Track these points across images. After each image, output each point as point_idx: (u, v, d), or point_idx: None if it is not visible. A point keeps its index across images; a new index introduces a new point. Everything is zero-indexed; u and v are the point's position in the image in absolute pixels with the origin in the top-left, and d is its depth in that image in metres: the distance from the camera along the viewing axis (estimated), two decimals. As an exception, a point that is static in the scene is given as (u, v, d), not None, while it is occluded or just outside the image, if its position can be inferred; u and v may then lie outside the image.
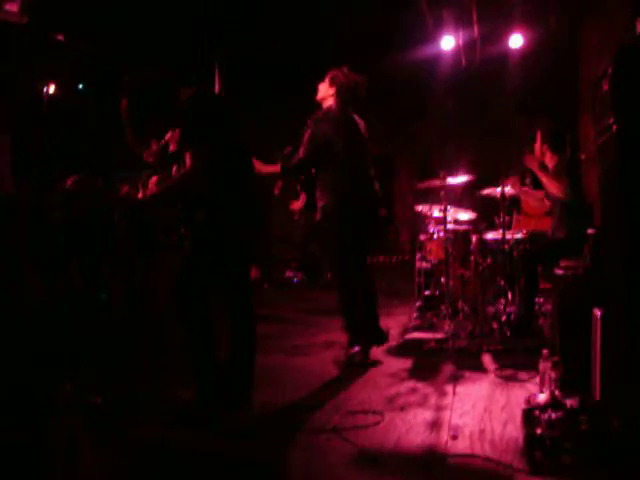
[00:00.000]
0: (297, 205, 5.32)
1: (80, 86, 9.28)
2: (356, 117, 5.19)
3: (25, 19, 6.83)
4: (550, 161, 5.71)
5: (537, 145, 5.81)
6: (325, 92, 5.13)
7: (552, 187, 5.51)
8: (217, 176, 3.86)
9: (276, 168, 5.09)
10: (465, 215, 6.70)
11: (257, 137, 4.89)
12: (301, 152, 4.98)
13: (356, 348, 5.00)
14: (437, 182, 6.01)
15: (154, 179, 4.13)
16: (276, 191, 5.45)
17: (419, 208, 6.86)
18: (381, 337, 5.25)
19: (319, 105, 5.17)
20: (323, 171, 5.06)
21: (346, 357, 5.02)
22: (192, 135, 3.85)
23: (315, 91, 5.21)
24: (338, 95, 5.05)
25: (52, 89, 8.61)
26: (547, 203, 5.91)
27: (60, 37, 7.85)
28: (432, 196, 6.77)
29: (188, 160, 3.78)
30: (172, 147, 4.12)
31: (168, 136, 4.13)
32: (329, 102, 5.10)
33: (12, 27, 6.77)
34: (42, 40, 7.60)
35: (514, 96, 10.18)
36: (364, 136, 5.21)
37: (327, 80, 5.12)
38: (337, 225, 5.00)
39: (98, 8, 7.82)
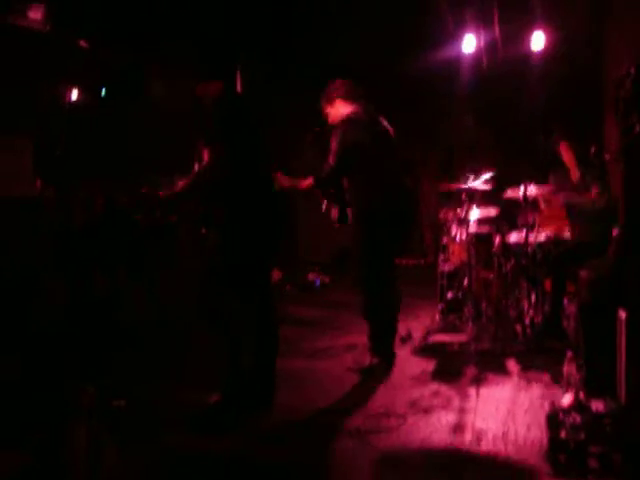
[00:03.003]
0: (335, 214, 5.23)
1: (103, 92, 9.33)
2: (384, 121, 5.08)
3: (48, 26, 6.90)
4: (574, 173, 5.69)
5: (569, 162, 5.75)
6: (342, 110, 4.97)
7: (584, 202, 5.49)
8: (238, 175, 3.86)
9: (305, 182, 4.87)
10: (488, 212, 6.55)
11: (278, 140, 4.84)
12: (331, 159, 4.79)
13: (377, 359, 4.89)
14: (460, 185, 5.99)
15: (179, 182, 4.14)
16: (323, 208, 5.34)
17: (442, 212, 6.81)
18: (390, 360, 5.02)
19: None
20: (355, 176, 4.90)
21: (369, 365, 4.90)
22: (212, 133, 3.85)
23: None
24: (350, 101, 4.96)
25: (75, 95, 8.67)
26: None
27: (83, 43, 7.91)
28: (455, 198, 6.72)
29: (205, 157, 3.79)
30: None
31: None
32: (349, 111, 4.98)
33: (35, 34, 6.84)
34: (65, 46, 7.66)
35: (537, 98, 10.10)
36: (393, 138, 5.08)
37: (335, 105, 4.99)
38: (372, 229, 4.84)
39: (121, 14, 7.87)
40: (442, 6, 8.54)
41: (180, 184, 3.99)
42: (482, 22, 8.69)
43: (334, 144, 4.82)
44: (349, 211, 5.03)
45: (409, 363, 5.11)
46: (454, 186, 6.15)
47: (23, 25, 6.72)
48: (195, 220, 4.43)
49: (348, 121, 4.90)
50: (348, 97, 4.98)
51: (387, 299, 5.02)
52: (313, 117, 5.26)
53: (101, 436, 3.27)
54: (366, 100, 5.03)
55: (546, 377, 4.49)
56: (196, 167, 4.01)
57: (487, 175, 6.24)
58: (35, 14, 6.78)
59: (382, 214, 4.85)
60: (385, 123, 5.09)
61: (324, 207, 5.31)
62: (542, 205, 6.33)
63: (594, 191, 5.44)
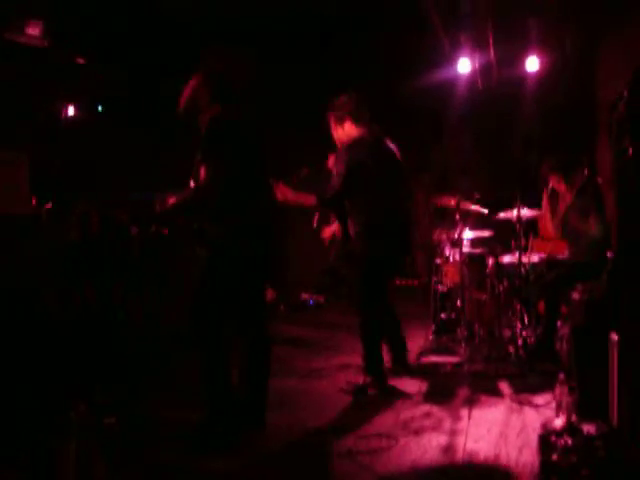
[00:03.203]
0: (328, 233, 5.21)
1: (99, 108, 9.35)
2: (390, 143, 5.08)
3: (46, 43, 6.93)
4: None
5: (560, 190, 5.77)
6: (350, 132, 4.98)
7: (588, 228, 5.48)
8: (233, 193, 3.86)
9: (308, 199, 4.85)
10: (482, 233, 6.61)
11: (282, 158, 4.82)
12: (335, 181, 4.79)
13: (369, 379, 4.89)
14: (452, 201, 6.03)
15: (172, 197, 4.13)
16: (314, 224, 5.36)
17: (436, 233, 6.85)
18: (405, 364, 5.27)
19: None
20: (357, 197, 4.88)
21: (362, 385, 4.89)
22: (210, 150, 3.85)
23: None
24: (358, 124, 4.96)
25: (71, 111, 8.70)
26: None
27: (81, 60, 7.94)
28: (449, 219, 6.76)
29: (202, 174, 3.79)
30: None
31: None
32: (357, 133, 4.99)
33: (33, 50, 6.86)
34: (63, 63, 7.69)
35: (531, 121, 10.14)
36: (399, 161, 5.09)
37: (345, 125, 4.99)
38: (372, 253, 4.85)
39: (119, 31, 7.90)
40: (437, 29, 8.60)
41: (175, 199, 3.99)
42: (477, 45, 8.75)
43: (339, 166, 4.82)
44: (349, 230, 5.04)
45: (401, 384, 5.10)
46: (448, 201, 6.20)
47: (21, 41, 6.74)
48: (187, 236, 4.42)
49: (354, 144, 4.91)
50: (357, 118, 4.98)
51: (383, 319, 5.05)
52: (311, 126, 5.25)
53: (91, 453, 3.25)
54: (372, 121, 5.05)
55: (538, 399, 4.48)
56: (191, 184, 4.01)
57: (479, 198, 6.28)
58: (33, 30, 6.80)
59: (382, 235, 4.87)
60: (391, 145, 5.09)
61: (315, 223, 5.32)
62: (548, 220, 6.28)
63: (591, 221, 5.45)
